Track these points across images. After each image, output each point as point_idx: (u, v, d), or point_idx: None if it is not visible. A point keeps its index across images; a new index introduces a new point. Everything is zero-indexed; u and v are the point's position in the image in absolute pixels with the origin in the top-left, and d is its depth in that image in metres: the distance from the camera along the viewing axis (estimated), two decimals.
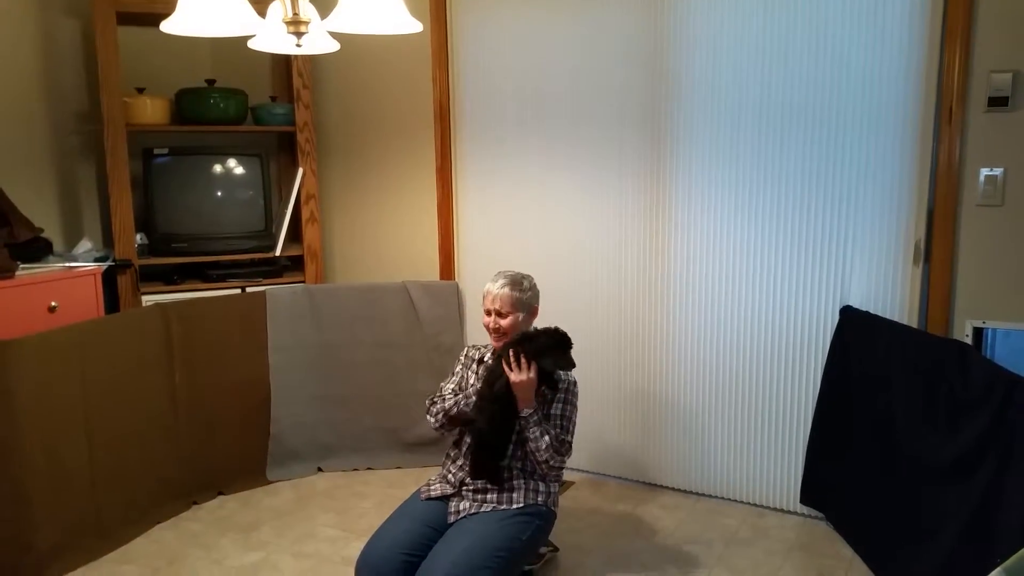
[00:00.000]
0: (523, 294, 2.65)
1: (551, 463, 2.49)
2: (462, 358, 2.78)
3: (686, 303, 3.20)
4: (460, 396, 2.60)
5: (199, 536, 3.00)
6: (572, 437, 2.57)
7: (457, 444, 2.65)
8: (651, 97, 3.15)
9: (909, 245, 2.78)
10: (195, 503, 3.26)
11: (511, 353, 2.48)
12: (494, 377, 2.54)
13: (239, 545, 2.92)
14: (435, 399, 2.67)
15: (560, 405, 2.57)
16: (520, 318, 2.64)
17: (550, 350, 2.50)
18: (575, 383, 2.62)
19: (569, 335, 2.56)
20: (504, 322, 2.63)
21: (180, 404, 3.23)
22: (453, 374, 2.76)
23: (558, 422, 2.55)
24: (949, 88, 2.64)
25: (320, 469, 3.58)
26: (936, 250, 2.72)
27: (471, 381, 2.67)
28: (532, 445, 2.49)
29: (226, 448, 3.38)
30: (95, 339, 2.92)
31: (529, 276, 2.72)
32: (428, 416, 2.65)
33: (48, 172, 3.58)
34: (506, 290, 2.63)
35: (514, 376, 2.48)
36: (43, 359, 2.72)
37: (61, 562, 2.75)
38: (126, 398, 3.02)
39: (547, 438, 2.48)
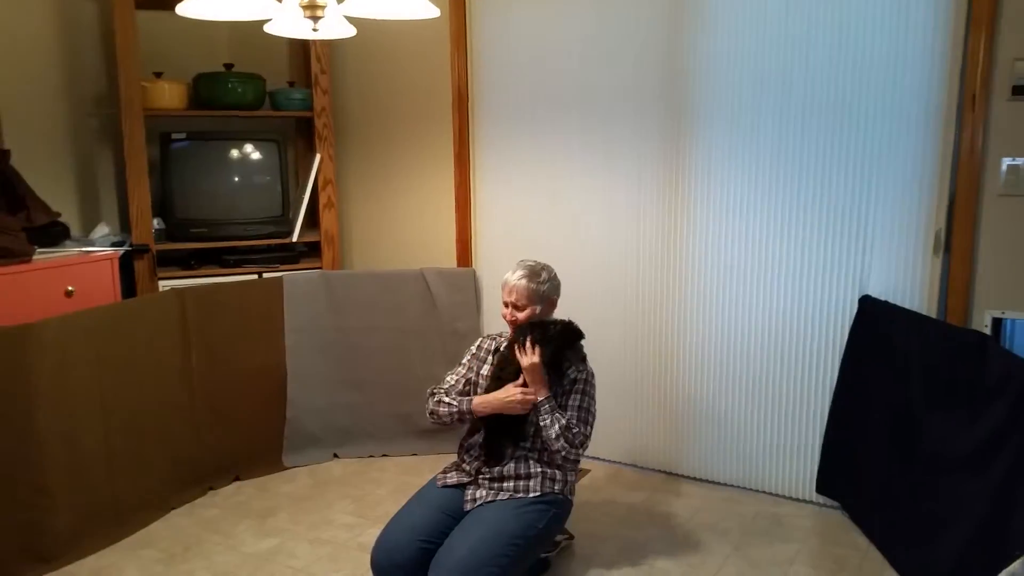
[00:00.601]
0: (540, 286, 2.63)
1: (564, 454, 2.49)
2: (474, 349, 2.77)
3: (704, 291, 3.18)
4: (454, 408, 2.58)
5: (215, 522, 3.02)
6: (590, 429, 2.55)
7: (471, 434, 2.65)
8: (670, 83, 3.12)
9: (929, 235, 2.75)
10: (211, 488, 3.28)
11: (521, 339, 2.50)
12: (505, 363, 2.56)
13: (255, 531, 2.94)
14: (435, 390, 2.67)
15: (578, 396, 2.56)
16: (537, 311, 2.62)
17: (558, 339, 2.50)
18: (592, 375, 2.61)
19: (581, 329, 2.56)
20: (521, 315, 2.62)
21: (196, 389, 3.25)
22: (460, 364, 2.75)
23: (574, 413, 2.54)
24: (972, 76, 2.60)
25: (336, 455, 3.60)
26: (956, 240, 2.70)
27: (484, 372, 2.67)
28: (544, 433, 2.49)
29: (242, 433, 3.40)
30: (112, 324, 2.93)
31: (548, 267, 2.70)
32: (426, 405, 2.65)
33: (66, 157, 3.59)
34: (523, 282, 2.61)
35: (524, 360, 2.50)
36: (60, 344, 2.73)
37: (78, 546, 2.77)
38: (142, 383, 3.04)
39: (557, 427, 2.47)
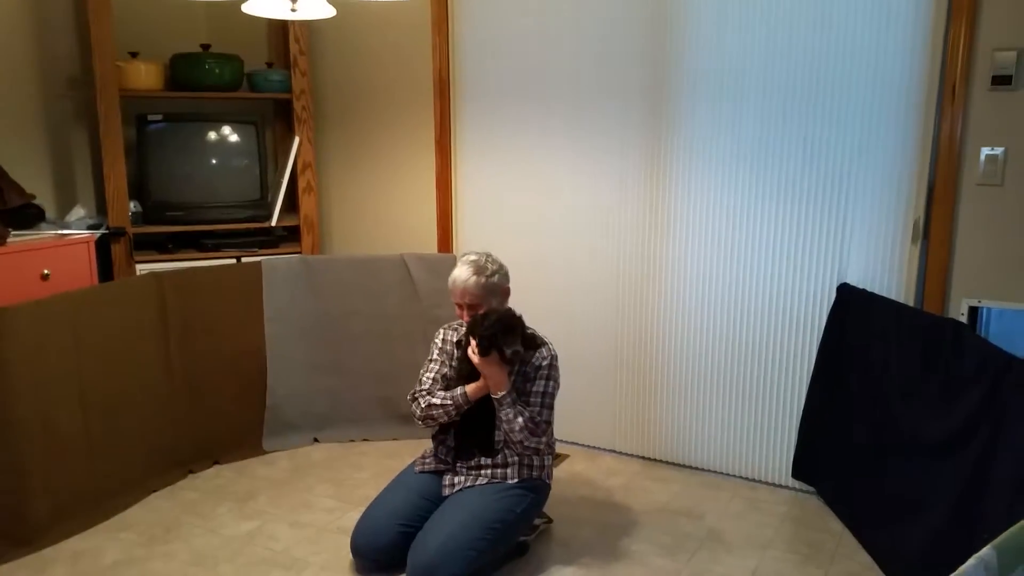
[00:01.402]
0: (490, 279, 2.59)
1: (526, 444, 2.49)
2: (439, 342, 2.74)
3: (683, 278, 3.20)
4: (449, 404, 2.57)
5: (195, 505, 3.02)
6: (550, 415, 2.55)
7: (444, 427, 2.65)
8: (653, 68, 3.12)
9: (908, 223, 2.78)
10: (191, 472, 3.27)
11: (465, 340, 2.52)
12: (461, 362, 2.58)
13: (235, 514, 2.94)
14: (416, 394, 2.64)
15: (542, 382, 2.55)
16: (493, 303, 2.59)
17: (500, 331, 2.47)
18: (555, 358, 2.59)
19: (519, 316, 2.53)
20: (466, 314, 2.60)
21: (175, 373, 3.23)
22: (431, 360, 2.71)
23: (537, 399, 2.53)
24: (953, 66, 2.62)
25: (316, 440, 3.59)
26: (935, 228, 2.72)
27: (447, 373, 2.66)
28: (506, 427, 2.49)
29: (222, 418, 3.39)
30: (89, 307, 2.90)
31: (492, 257, 2.65)
32: (413, 409, 2.63)
33: (40, 138, 3.53)
34: (472, 280, 2.57)
35: (476, 361, 2.49)
36: (37, 327, 2.71)
37: (57, 529, 2.76)
38: (121, 367, 3.01)
39: (520, 420, 2.47)
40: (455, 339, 2.71)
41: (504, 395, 2.49)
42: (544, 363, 2.55)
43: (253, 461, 3.40)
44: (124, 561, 2.62)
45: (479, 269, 2.58)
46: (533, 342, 2.58)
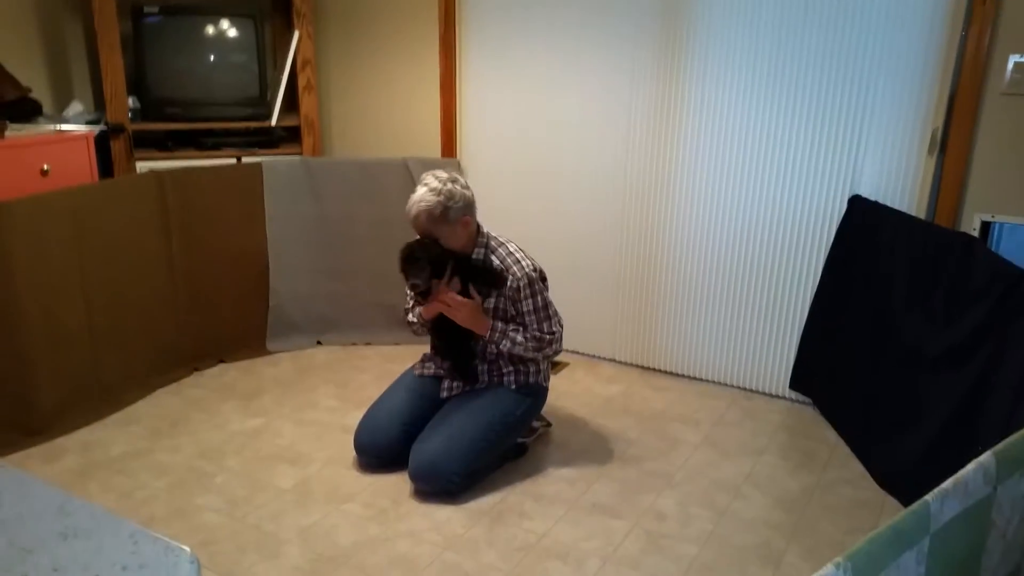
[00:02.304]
0: (444, 206, 2.36)
1: (541, 356, 2.52)
2: None
3: (691, 187, 3.15)
4: (416, 323, 2.60)
5: (201, 401, 3.07)
6: (556, 322, 2.51)
7: (434, 337, 2.68)
8: None
9: (926, 133, 2.71)
10: (196, 370, 3.32)
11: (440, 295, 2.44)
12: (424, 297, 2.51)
13: (240, 411, 2.99)
14: (406, 307, 2.67)
15: (528, 301, 2.48)
16: (447, 230, 2.40)
17: (404, 262, 2.42)
18: (533, 271, 2.47)
19: (433, 248, 2.41)
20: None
21: (178, 272, 3.23)
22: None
23: (532, 318, 2.49)
24: None
25: (319, 342, 3.63)
26: (953, 139, 2.66)
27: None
28: (515, 354, 2.49)
29: (226, 317, 3.41)
30: (90, 204, 2.88)
31: (454, 182, 2.40)
32: (407, 319, 2.67)
33: (33, 30, 3.43)
34: (422, 215, 2.37)
35: (451, 314, 2.44)
36: (38, 222, 2.69)
37: (65, 421, 2.82)
38: (123, 264, 3.01)
39: (520, 339, 2.46)
40: None
41: (491, 335, 2.48)
42: (520, 284, 2.45)
43: (258, 361, 3.45)
44: (132, 453, 2.68)
45: (430, 204, 2.36)
46: (490, 276, 2.47)
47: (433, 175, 2.43)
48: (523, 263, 2.48)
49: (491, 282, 2.46)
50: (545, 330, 2.50)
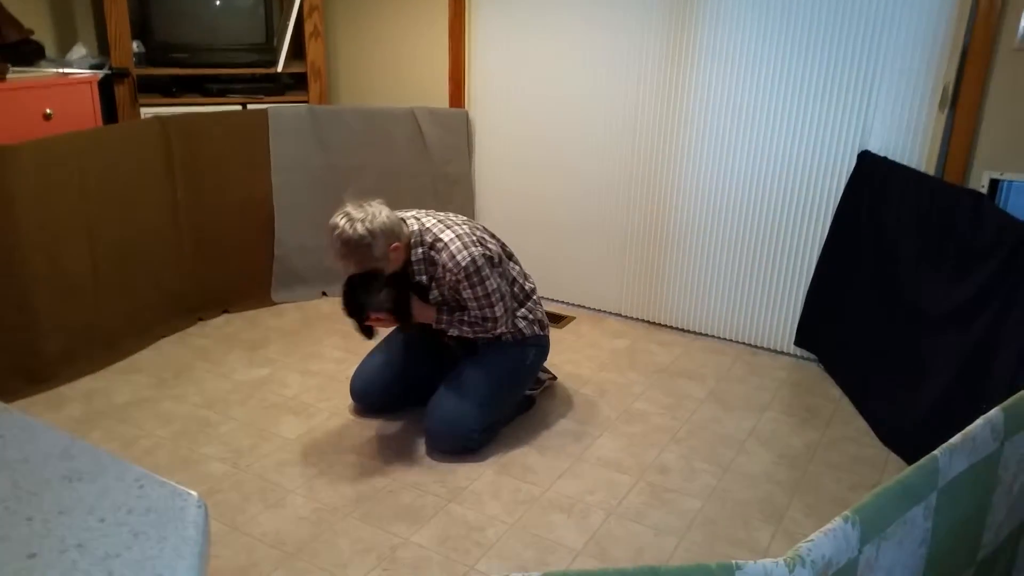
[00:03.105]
0: (366, 251, 2.24)
1: (487, 335, 2.47)
2: None
3: (700, 141, 3.11)
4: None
5: (206, 351, 3.07)
6: (502, 307, 2.41)
7: None
8: None
9: (936, 88, 2.65)
10: (200, 319, 3.32)
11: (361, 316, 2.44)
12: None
13: (246, 361, 3.00)
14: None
15: (468, 291, 2.36)
16: (376, 266, 2.30)
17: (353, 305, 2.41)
18: (473, 262, 2.33)
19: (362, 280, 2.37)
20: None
21: (183, 220, 3.21)
22: None
23: (473, 304, 2.39)
24: None
25: (324, 293, 3.62)
26: (964, 95, 2.61)
27: None
28: (469, 336, 2.47)
29: (231, 267, 3.40)
30: (94, 149, 2.85)
31: (360, 221, 2.22)
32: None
33: None
34: (351, 267, 2.29)
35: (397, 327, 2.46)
36: (42, 167, 2.67)
37: (70, 368, 2.83)
38: (128, 212, 2.99)
39: (466, 327, 2.44)
40: None
41: (436, 324, 2.45)
42: (458, 278, 2.34)
43: (263, 311, 3.44)
44: (136, 401, 2.69)
45: (350, 248, 2.24)
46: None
47: (342, 217, 2.25)
48: (458, 257, 2.32)
49: (414, 288, 2.43)
50: (484, 314, 2.40)
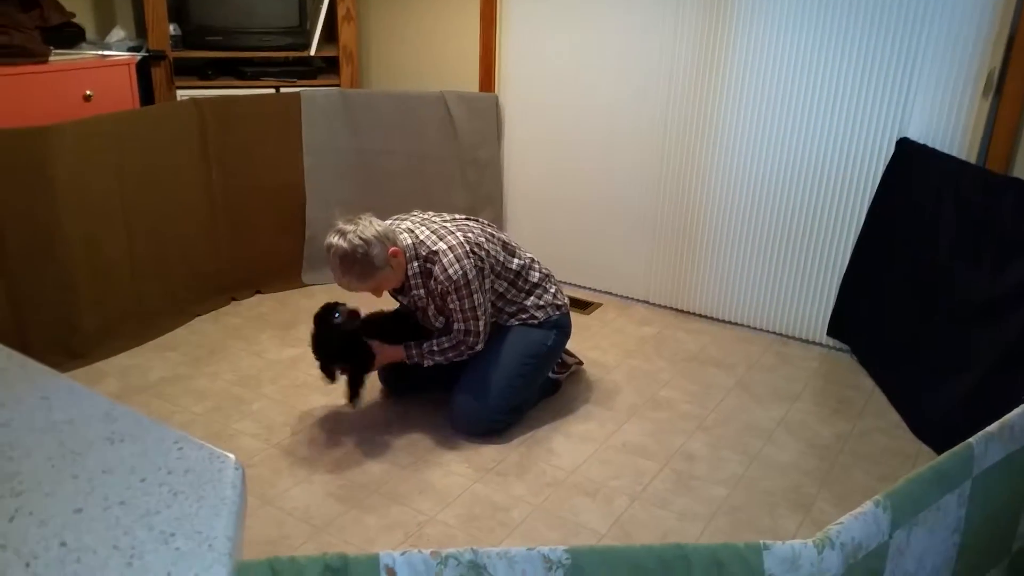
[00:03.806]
0: (366, 260, 2.23)
1: (461, 357, 2.47)
2: None
3: (734, 125, 3.08)
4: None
5: (239, 330, 3.12)
6: (482, 323, 2.40)
7: None
8: None
9: (981, 74, 2.60)
10: (234, 299, 3.36)
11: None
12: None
13: (277, 340, 3.04)
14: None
15: (456, 303, 2.35)
16: (381, 277, 2.30)
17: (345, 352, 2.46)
18: (464, 275, 2.31)
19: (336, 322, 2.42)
20: (385, 288, 2.40)
21: (217, 201, 3.25)
22: None
23: (458, 315, 2.37)
24: None
25: None
26: (1010, 81, 2.55)
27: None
28: (451, 360, 2.48)
29: (263, 248, 3.44)
30: (132, 130, 2.90)
31: (356, 233, 2.22)
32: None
33: None
34: (352, 280, 2.27)
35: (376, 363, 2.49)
36: (81, 148, 2.72)
37: (106, 345, 2.88)
38: (163, 193, 3.04)
39: (438, 352, 2.44)
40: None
41: (408, 356, 2.47)
42: (448, 288, 2.33)
43: (293, 292, 3.48)
44: (171, 378, 2.74)
45: (347, 264, 2.23)
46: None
47: (334, 235, 2.26)
48: (450, 271, 2.31)
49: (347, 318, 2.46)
50: (472, 329, 2.40)
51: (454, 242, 2.35)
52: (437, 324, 2.48)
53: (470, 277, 2.33)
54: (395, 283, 2.39)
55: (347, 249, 2.22)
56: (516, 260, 2.52)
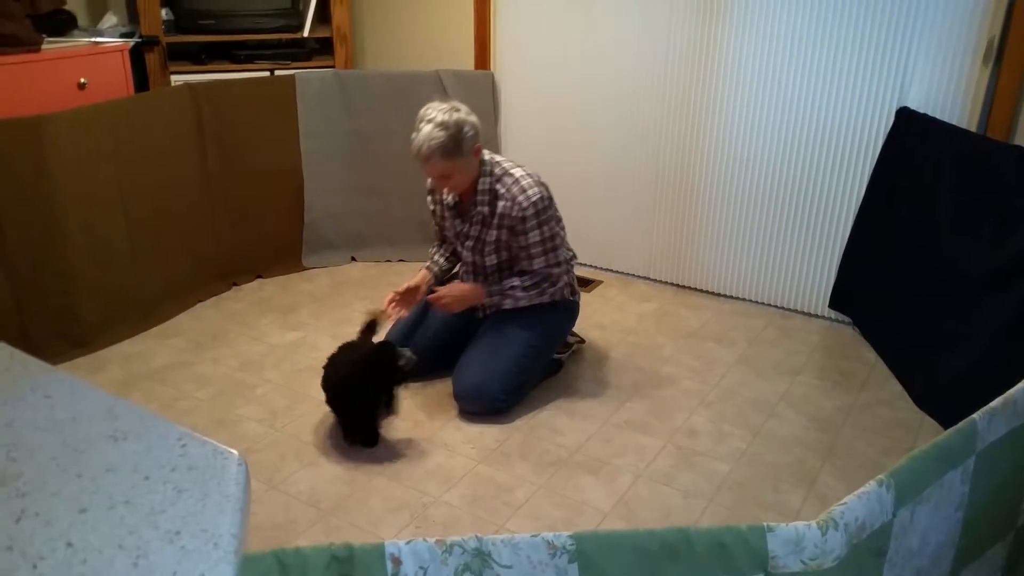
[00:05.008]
0: (456, 139, 2.21)
1: (543, 298, 2.46)
2: (431, 204, 2.64)
3: (732, 97, 3.05)
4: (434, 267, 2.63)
5: (240, 315, 3.12)
6: (555, 255, 2.40)
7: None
8: None
9: (981, 42, 2.57)
10: (235, 284, 3.36)
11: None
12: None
13: (278, 325, 3.04)
14: (432, 248, 2.72)
15: (535, 232, 2.34)
16: (461, 164, 2.28)
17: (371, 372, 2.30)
18: (540, 199, 2.32)
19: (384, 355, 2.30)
20: (454, 185, 2.33)
21: (215, 187, 3.24)
22: (433, 214, 2.64)
23: (537, 249, 2.37)
24: None
25: (354, 258, 3.64)
26: (1011, 49, 2.52)
27: (446, 224, 2.59)
28: (530, 301, 2.45)
29: (262, 233, 3.43)
30: (127, 117, 2.88)
31: (454, 110, 2.23)
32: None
33: None
34: (435, 153, 2.22)
35: (447, 308, 2.45)
36: (76, 136, 2.70)
37: (108, 333, 2.88)
38: (161, 179, 3.03)
39: (520, 293, 2.42)
40: (450, 201, 2.53)
41: (488, 300, 2.46)
42: (526, 214, 2.33)
43: (294, 276, 3.48)
44: (173, 364, 2.75)
45: (442, 138, 2.19)
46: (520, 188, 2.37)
47: (434, 108, 2.26)
48: (529, 192, 2.32)
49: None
50: (545, 264, 2.38)
51: (528, 171, 2.38)
52: (488, 260, 2.44)
53: (548, 203, 2.34)
54: (464, 184, 2.34)
55: (446, 118, 2.22)
56: (560, 227, 2.53)
